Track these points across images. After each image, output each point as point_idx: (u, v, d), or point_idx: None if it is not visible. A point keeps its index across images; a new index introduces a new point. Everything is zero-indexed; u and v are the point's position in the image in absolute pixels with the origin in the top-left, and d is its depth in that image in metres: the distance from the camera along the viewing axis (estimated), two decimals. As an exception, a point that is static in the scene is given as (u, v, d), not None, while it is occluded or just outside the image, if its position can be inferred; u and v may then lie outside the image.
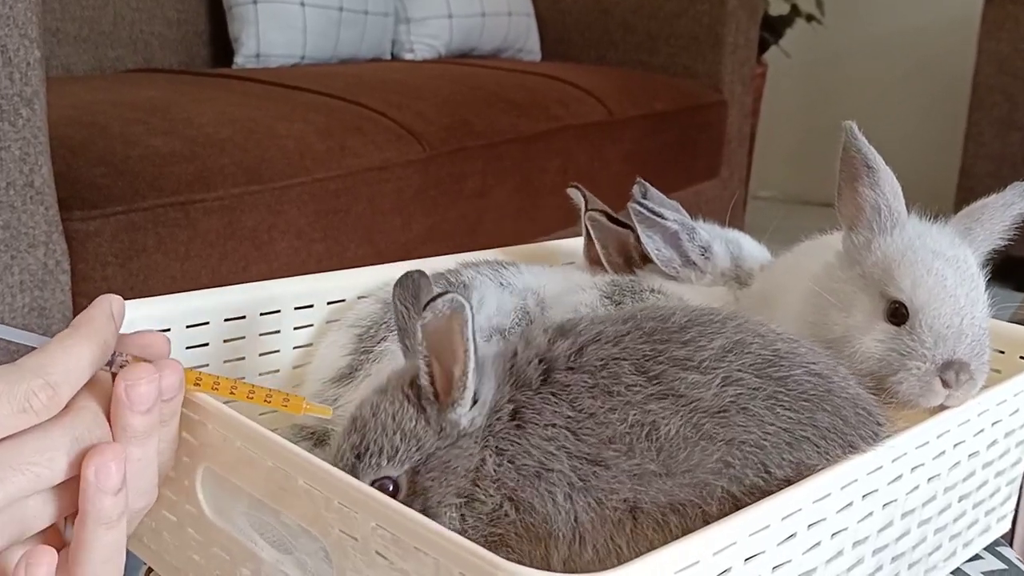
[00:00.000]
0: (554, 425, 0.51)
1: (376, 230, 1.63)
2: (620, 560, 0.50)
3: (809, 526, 0.51)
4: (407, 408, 0.53)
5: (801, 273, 0.69)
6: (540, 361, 0.54)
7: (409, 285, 0.61)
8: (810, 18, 3.58)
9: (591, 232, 0.81)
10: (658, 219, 0.74)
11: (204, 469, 0.55)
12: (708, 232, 0.77)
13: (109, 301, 0.51)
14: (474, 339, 0.50)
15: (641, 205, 0.74)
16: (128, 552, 0.50)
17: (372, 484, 0.50)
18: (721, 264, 0.77)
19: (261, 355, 0.73)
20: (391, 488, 0.52)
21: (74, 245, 1.27)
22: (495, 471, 0.51)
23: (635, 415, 0.51)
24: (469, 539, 0.42)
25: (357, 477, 0.50)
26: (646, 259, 0.77)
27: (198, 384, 0.55)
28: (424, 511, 0.49)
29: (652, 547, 0.44)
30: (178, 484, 0.57)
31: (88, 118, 1.45)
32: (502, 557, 0.40)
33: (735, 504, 0.50)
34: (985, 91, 2.89)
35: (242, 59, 2.14)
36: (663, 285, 0.75)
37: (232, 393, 0.55)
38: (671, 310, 0.56)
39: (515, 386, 0.53)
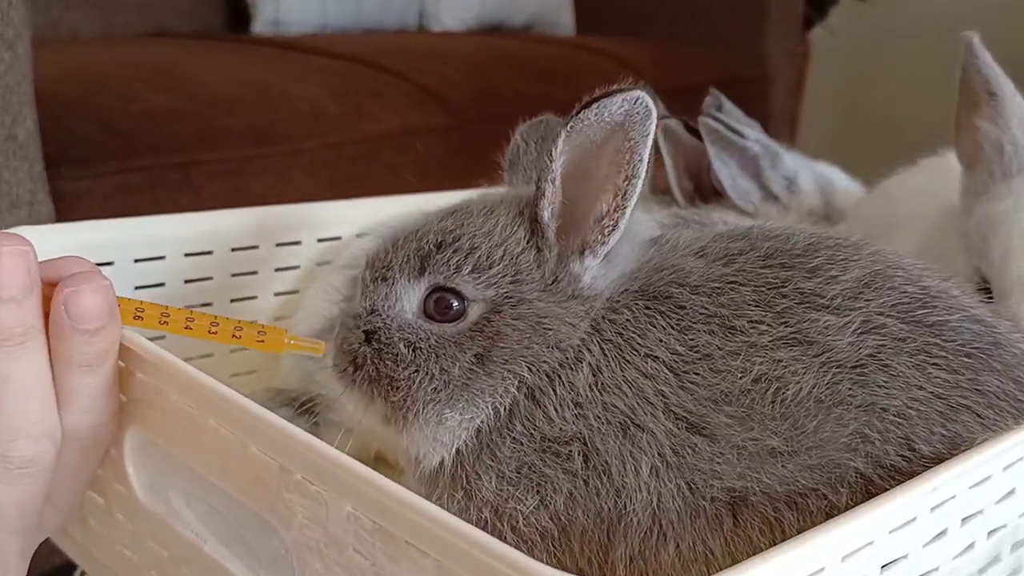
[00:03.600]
0: (655, 358, 0.39)
1: (396, 201, 1.53)
2: (710, 568, 0.37)
3: (963, 520, 0.37)
4: (518, 229, 0.42)
5: (918, 206, 0.54)
6: (674, 271, 0.42)
7: (539, 125, 0.50)
8: (857, -6, 3.42)
9: (660, 147, 0.65)
10: (736, 138, 0.59)
11: (133, 434, 0.41)
12: (793, 161, 0.62)
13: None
14: (648, 161, 0.38)
15: (715, 119, 0.59)
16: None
17: (431, 296, 0.41)
18: (808, 200, 0.63)
19: (232, 301, 0.59)
20: (454, 308, 0.41)
21: (61, 207, 1.16)
22: (587, 384, 0.39)
23: (761, 364, 0.38)
24: (499, 454, 0.37)
25: (421, 273, 0.42)
26: (718, 193, 0.62)
27: (139, 318, 0.41)
28: (479, 362, 0.40)
29: (755, 552, 0.31)
30: (104, 455, 0.43)
31: (84, 74, 1.36)
32: (541, 520, 0.36)
33: (868, 494, 0.37)
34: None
35: (259, 26, 2.04)
36: (737, 223, 0.59)
37: (188, 329, 0.42)
38: (790, 229, 0.43)
39: (639, 289, 0.41)
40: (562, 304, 0.41)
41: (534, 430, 0.39)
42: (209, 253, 0.57)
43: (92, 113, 1.24)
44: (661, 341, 0.40)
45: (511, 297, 0.41)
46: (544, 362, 0.40)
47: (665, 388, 0.39)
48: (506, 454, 0.40)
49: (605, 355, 0.40)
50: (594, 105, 0.38)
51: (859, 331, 0.39)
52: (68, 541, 0.48)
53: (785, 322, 0.39)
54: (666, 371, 0.39)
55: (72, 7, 1.89)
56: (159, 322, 0.42)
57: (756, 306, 0.40)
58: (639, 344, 0.40)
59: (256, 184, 1.34)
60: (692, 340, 0.39)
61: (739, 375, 0.38)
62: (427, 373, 0.40)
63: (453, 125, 1.59)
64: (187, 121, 1.28)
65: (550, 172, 0.40)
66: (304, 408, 0.54)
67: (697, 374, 0.39)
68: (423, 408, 0.40)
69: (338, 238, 0.62)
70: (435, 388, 0.40)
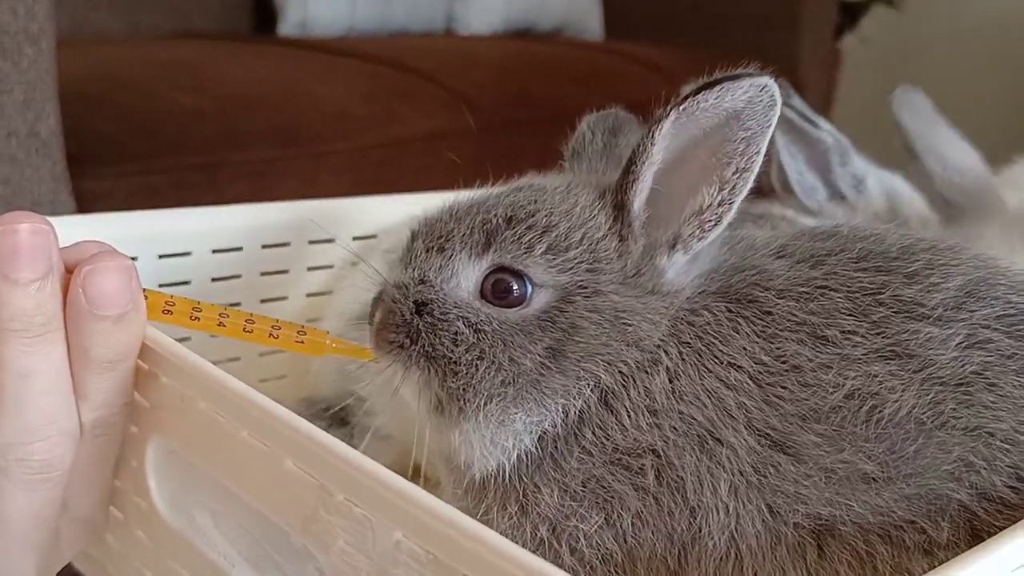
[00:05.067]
0: (738, 367, 0.35)
1: (424, 206, 1.50)
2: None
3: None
4: (598, 213, 0.38)
5: None
6: (757, 273, 0.38)
7: (608, 117, 0.46)
8: (889, 2, 3.37)
9: None
10: (811, 128, 0.55)
11: (155, 443, 0.38)
12: (862, 162, 0.58)
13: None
14: (762, 155, 0.35)
15: (790, 107, 0.55)
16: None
17: (490, 277, 0.37)
18: (875, 204, 0.58)
19: (262, 302, 0.56)
20: (515, 292, 0.37)
21: (83, 206, 1.14)
22: (664, 391, 0.35)
23: (855, 379, 0.35)
24: (564, 465, 0.34)
25: (486, 249, 0.37)
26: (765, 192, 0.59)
27: (169, 312, 0.38)
28: (551, 356, 0.36)
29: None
30: (124, 465, 0.39)
31: (108, 72, 1.35)
32: (605, 541, 0.32)
33: (971, 529, 0.33)
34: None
35: (287, 28, 2.03)
36: (797, 221, 0.55)
37: (221, 326, 0.38)
38: (880, 230, 0.39)
39: (718, 290, 0.38)
40: (641, 299, 0.37)
41: (605, 439, 0.35)
42: (238, 250, 0.53)
43: (116, 112, 1.23)
44: (745, 349, 0.36)
45: (586, 287, 0.37)
46: (622, 362, 0.36)
47: (748, 401, 0.35)
48: (573, 465, 0.36)
49: (683, 360, 0.36)
50: (715, 88, 0.35)
51: (963, 345, 0.36)
52: (83, 557, 0.45)
53: (882, 333, 0.36)
54: (750, 382, 0.35)
55: (98, 7, 1.89)
56: (190, 318, 0.38)
57: (850, 314, 0.36)
58: (721, 351, 0.36)
59: (281, 186, 1.32)
60: (779, 349, 0.36)
61: (830, 390, 0.35)
62: (493, 361, 0.36)
63: (482, 129, 1.57)
64: (212, 121, 1.26)
65: (647, 155, 0.36)
66: (342, 420, 0.50)
67: (784, 387, 0.35)
68: (487, 402, 0.36)
69: (374, 236, 0.58)
70: (503, 381, 0.36)
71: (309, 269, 0.58)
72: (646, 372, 0.36)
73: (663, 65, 2.13)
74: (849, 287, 0.37)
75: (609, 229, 0.38)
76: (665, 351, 0.36)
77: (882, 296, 0.36)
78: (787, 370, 0.35)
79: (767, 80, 0.35)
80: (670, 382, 0.36)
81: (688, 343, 0.36)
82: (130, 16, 1.95)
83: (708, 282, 0.38)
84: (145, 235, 0.49)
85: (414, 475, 0.48)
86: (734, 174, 0.36)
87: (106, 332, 0.35)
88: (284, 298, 0.57)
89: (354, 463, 0.29)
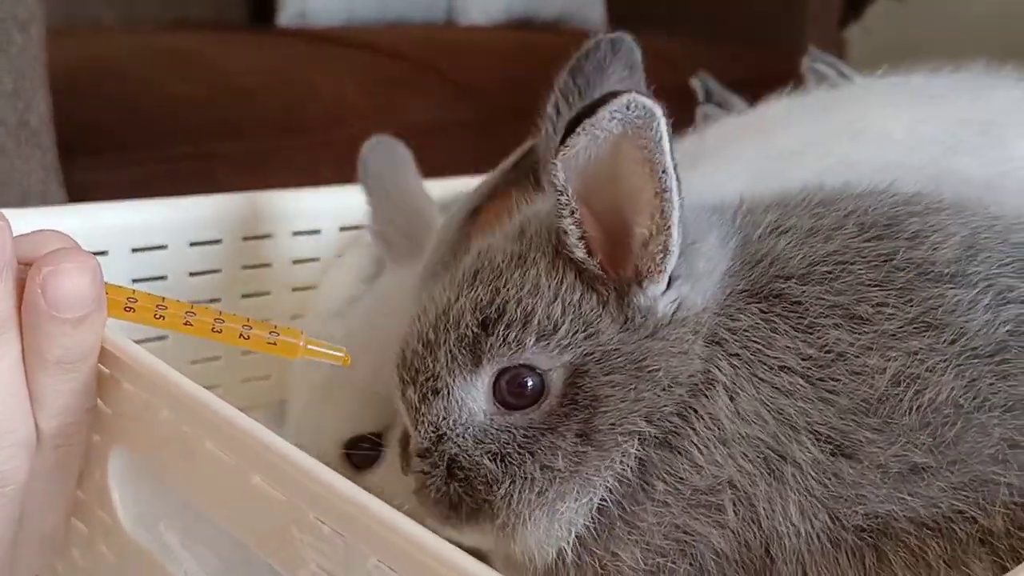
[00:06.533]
0: (788, 369, 0.33)
1: (425, 198, 1.49)
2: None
3: None
4: (563, 271, 0.35)
5: None
6: (771, 262, 0.35)
7: (596, 52, 0.42)
8: (894, -6, 3.34)
9: None
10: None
11: (118, 453, 0.35)
12: None
13: None
14: (673, 170, 0.32)
15: (826, 63, 0.53)
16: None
17: (502, 378, 0.35)
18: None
19: (244, 297, 0.52)
20: (534, 387, 0.34)
21: (75, 197, 1.13)
22: (729, 415, 0.32)
23: (897, 360, 0.32)
24: (640, 523, 0.31)
25: (478, 362, 0.35)
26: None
27: (131, 309, 0.35)
28: (584, 439, 0.34)
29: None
30: (87, 476, 0.37)
31: (102, 62, 1.32)
32: None
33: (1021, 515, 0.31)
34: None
35: (285, 18, 2.01)
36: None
37: (188, 325, 0.35)
38: (856, 200, 0.37)
39: (745, 290, 0.35)
40: (654, 338, 0.34)
41: (680, 484, 0.33)
42: (217, 242, 0.50)
43: (110, 102, 1.20)
44: (788, 348, 0.33)
45: (592, 353, 0.34)
46: (664, 406, 0.33)
47: (805, 405, 0.33)
48: (650, 521, 0.33)
49: (736, 373, 0.33)
50: (579, 130, 0.32)
51: (990, 305, 0.33)
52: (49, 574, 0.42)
53: (910, 300, 0.33)
54: (802, 383, 0.33)
55: (92, -4, 1.88)
56: (155, 316, 0.35)
57: (875, 285, 0.34)
58: (767, 355, 0.33)
59: (279, 176, 1.30)
60: (821, 339, 0.33)
61: (877, 375, 0.33)
62: (526, 478, 0.34)
63: (484, 119, 1.54)
64: (208, 111, 1.24)
65: (564, 206, 0.33)
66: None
67: (835, 379, 0.33)
68: (530, 516, 0.34)
69: (362, 227, 0.55)
70: (540, 491, 0.34)
71: (294, 262, 0.55)
72: (704, 396, 0.33)
73: (666, 55, 2.10)
74: (866, 256, 0.35)
75: (582, 284, 0.35)
76: (716, 366, 0.33)
77: (896, 261, 0.34)
78: (834, 359, 0.33)
79: (628, 97, 0.31)
80: (731, 400, 0.33)
81: (736, 354, 0.34)
82: (125, 5, 1.93)
83: (735, 280, 0.35)
84: (117, 227, 0.46)
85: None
86: (656, 197, 0.33)
87: (65, 334, 0.33)
88: (267, 293, 0.54)
89: (322, 479, 0.26)
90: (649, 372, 0.33)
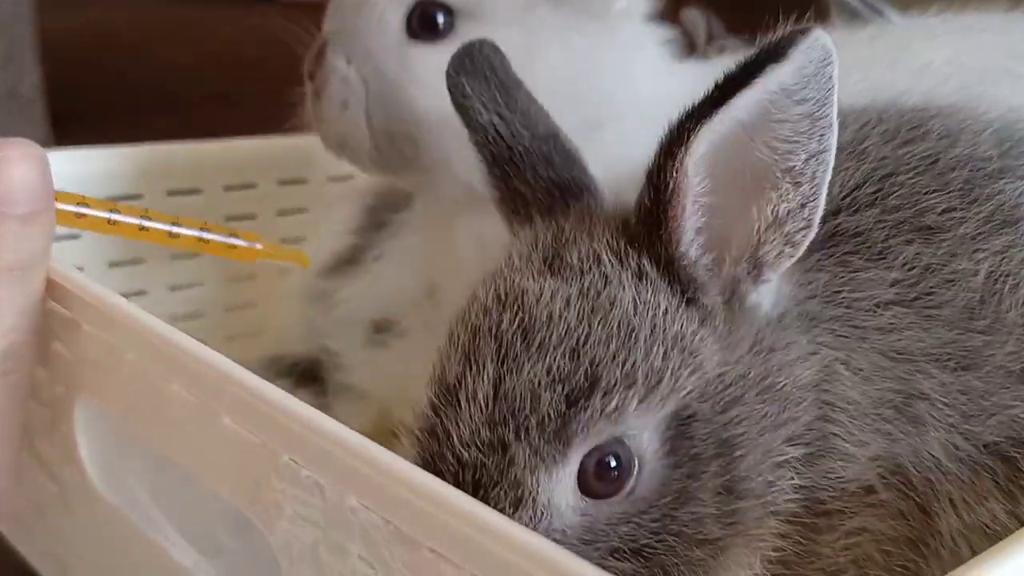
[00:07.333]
0: (883, 304, 0.30)
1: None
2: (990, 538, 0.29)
3: None
4: (650, 293, 0.27)
5: None
6: None
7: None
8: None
9: None
10: (873, 15, 0.51)
11: (84, 404, 0.32)
12: None
13: None
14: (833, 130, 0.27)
15: None
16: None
17: (591, 458, 0.26)
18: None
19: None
20: (616, 466, 0.26)
21: None
22: (860, 389, 0.28)
23: (984, 260, 0.30)
24: (819, 548, 0.27)
25: (566, 450, 0.26)
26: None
27: (83, 216, 0.33)
28: (727, 496, 0.27)
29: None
30: (54, 431, 0.34)
31: (98, 30, 1.35)
32: None
33: None
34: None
35: None
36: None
37: (143, 231, 0.34)
38: (869, 111, 0.35)
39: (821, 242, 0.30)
40: (771, 347, 0.29)
41: (839, 482, 0.29)
42: (197, 192, 0.47)
43: (104, 70, 1.20)
44: (872, 280, 0.30)
45: (702, 395, 0.27)
46: (800, 418, 0.28)
47: (914, 331, 0.29)
48: (827, 538, 0.29)
49: (841, 339, 0.29)
50: (755, 77, 0.26)
51: None
52: (20, 532, 0.39)
53: (975, 199, 0.31)
54: (903, 310, 0.30)
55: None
56: (108, 222, 0.33)
57: (933, 191, 0.31)
58: (858, 301, 0.30)
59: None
60: (900, 260, 0.30)
61: (971, 278, 0.30)
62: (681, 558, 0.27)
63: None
64: (205, 81, 1.22)
65: (682, 194, 0.27)
66: (310, 375, 0.44)
67: (930, 293, 0.30)
68: None
69: (352, 177, 0.52)
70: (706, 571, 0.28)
71: (279, 214, 0.52)
72: (828, 384, 0.29)
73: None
74: (909, 163, 0.31)
75: (673, 302, 0.28)
76: (824, 345, 0.29)
77: (940, 162, 0.31)
78: (921, 274, 0.30)
79: (816, 35, 0.25)
80: (850, 370, 0.29)
81: (832, 317, 0.29)
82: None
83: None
84: (94, 174, 0.44)
85: (394, 438, 0.43)
86: (807, 162, 0.27)
87: (13, 233, 0.30)
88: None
89: (299, 415, 0.24)
90: (775, 392, 0.28)
